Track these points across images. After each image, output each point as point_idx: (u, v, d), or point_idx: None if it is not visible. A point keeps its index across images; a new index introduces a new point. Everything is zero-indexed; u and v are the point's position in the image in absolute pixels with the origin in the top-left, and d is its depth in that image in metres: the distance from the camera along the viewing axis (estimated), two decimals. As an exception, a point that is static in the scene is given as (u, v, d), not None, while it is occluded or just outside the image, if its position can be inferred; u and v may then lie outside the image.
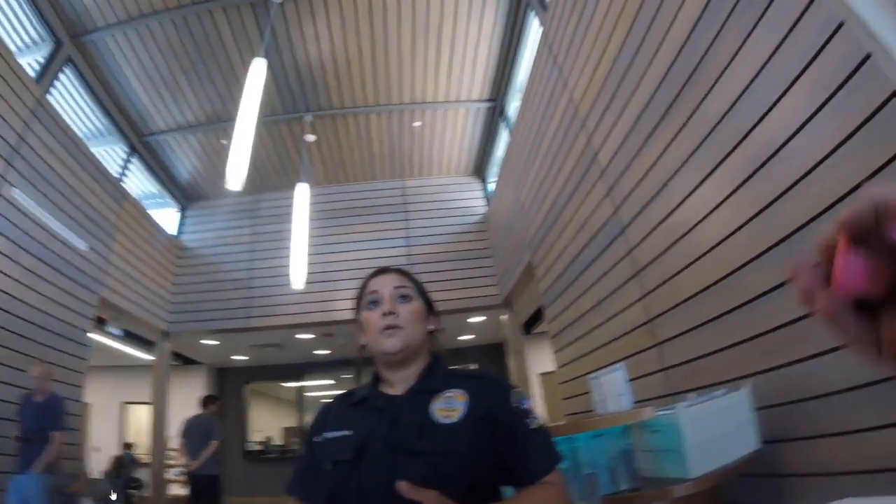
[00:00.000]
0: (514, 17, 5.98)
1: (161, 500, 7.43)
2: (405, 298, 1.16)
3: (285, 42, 6.07)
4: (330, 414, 1.18)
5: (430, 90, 7.04)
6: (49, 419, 4.03)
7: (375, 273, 1.24)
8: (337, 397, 1.24)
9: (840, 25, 1.60)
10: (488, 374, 1.16)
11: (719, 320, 2.31)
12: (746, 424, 1.85)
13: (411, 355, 1.14)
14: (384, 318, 1.12)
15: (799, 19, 1.77)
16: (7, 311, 4.62)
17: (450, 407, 1.04)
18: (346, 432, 1.07)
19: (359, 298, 1.23)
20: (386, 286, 1.17)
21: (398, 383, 1.13)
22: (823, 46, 1.67)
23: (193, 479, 5.79)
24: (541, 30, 4.97)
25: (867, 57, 1.53)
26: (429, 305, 1.22)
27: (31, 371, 4.11)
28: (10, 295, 4.68)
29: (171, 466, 9.60)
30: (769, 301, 1.97)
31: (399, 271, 1.23)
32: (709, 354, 2.41)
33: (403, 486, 0.86)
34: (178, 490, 9.65)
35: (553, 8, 4.46)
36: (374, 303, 1.16)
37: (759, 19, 1.95)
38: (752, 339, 2.08)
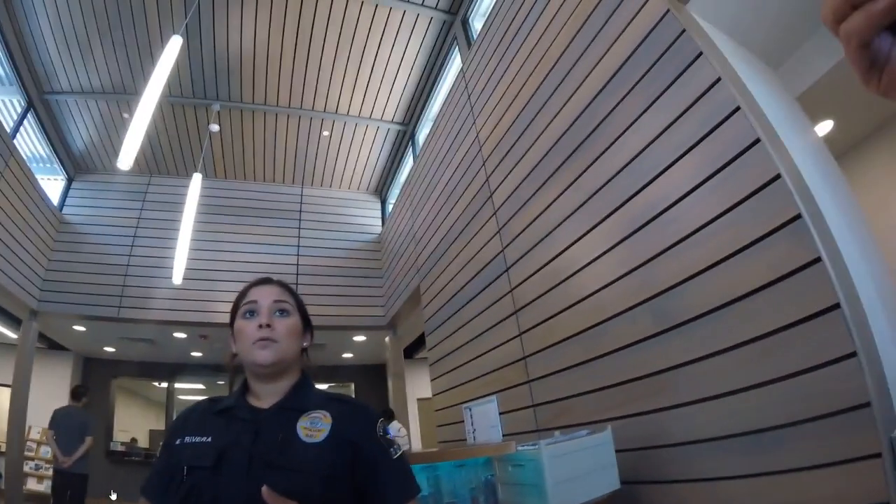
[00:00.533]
0: (439, 48, 6.16)
1: (18, 494, 6.51)
2: (283, 313, 1.15)
3: (208, 25, 5.78)
4: (192, 418, 1.14)
5: (344, 103, 7.00)
6: None
7: (256, 283, 1.22)
8: (201, 403, 1.20)
9: (736, 109, 1.82)
10: (354, 401, 1.17)
11: (589, 364, 2.49)
12: (608, 464, 2.00)
13: (283, 370, 1.13)
14: (259, 329, 1.11)
15: (699, 98, 1.98)
16: None
17: (314, 427, 1.05)
18: (205, 439, 1.05)
19: (236, 306, 1.20)
20: (265, 298, 1.16)
21: (266, 396, 1.12)
22: (718, 126, 1.88)
23: (62, 475, 5.35)
24: (461, 67, 5.16)
25: (756, 140, 1.74)
26: (306, 322, 1.22)
27: None
28: None
29: (32, 458, 8.56)
30: (637, 351, 2.16)
31: (281, 284, 1.22)
32: (576, 396, 2.58)
33: (266, 492, 0.84)
34: (36, 485, 8.57)
35: (476, 48, 4.65)
36: (252, 312, 1.15)
37: (662, 93, 2.17)
38: (618, 385, 2.26)
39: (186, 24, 5.02)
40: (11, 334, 8.06)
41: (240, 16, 5.73)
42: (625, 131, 2.37)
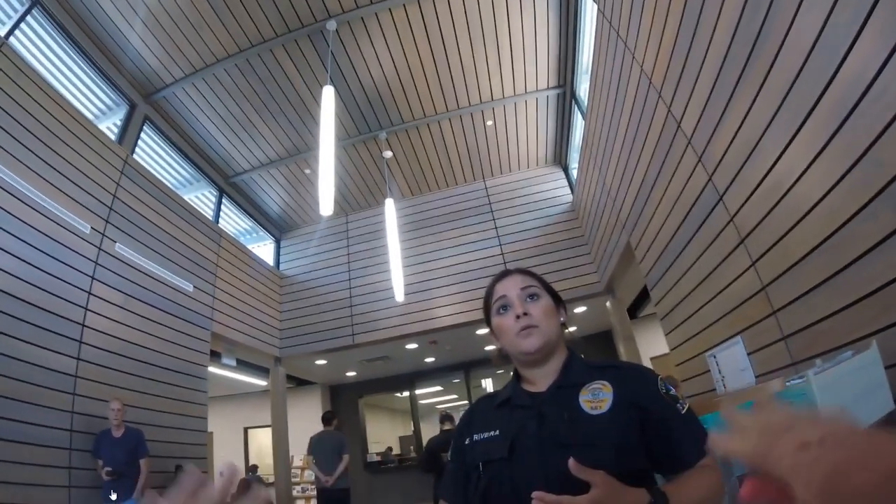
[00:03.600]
0: (566, 0, 5.87)
1: None
2: (534, 297, 1.17)
3: (348, 67, 6.36)
4: (475, 417, 1.21)
5: (496, 87, 7.07)
6: (136, 450, 4.55)
7: (498, 277, 1.25)
8: (479, 400, 1.28)
9: None
10: (628, 364, 1.17)
11: (836, 278, 2.15)
12: (879, 385, 1.71)
13: (550, 352, 1.15)
14: (518, 320, 1.14)
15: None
16: (128, 357, 5.24)
17: (596, 398, 1.05)
18: (493, 433, 1.10)
19: (487, 305, 1.25)
20: (512, 289, 1.19)
21: (540, 380, 1.15)
22: None
23: (327, 493, 5.93)
24: (595, 7, 4.85)
25: None
26: (556, 299, 1.23)
27: (111, 406, 4.50)
28: (129, 342, 5.30)
29: (297, 484, 10.20)
30: (885, 250, 1.82)
31: (521, 271, 1.24)
32: (830, 316, 2.24)
33: (573, 464, 0.85)
34: None
35: (606, -18, 4.34)
36: (505, 307, 1.19)
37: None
38: (874, 293, 1.92)
39: (329, 74, 5.53)
40: (263, 382, 9.66)
41: (371, 47, 6.16)
42: (799, 6, 2.00)
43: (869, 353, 1.73)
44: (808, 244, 2.33)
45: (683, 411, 1.04)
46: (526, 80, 6.99)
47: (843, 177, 1.97)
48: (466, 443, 1.16)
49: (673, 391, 1.07)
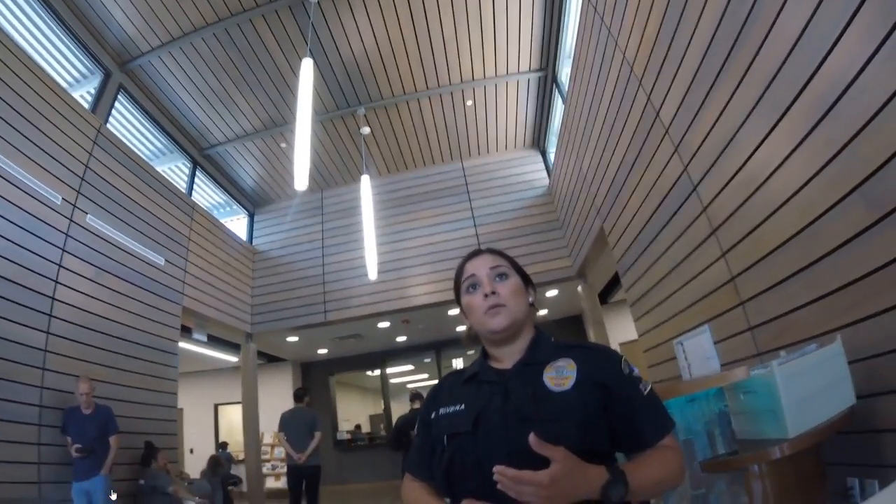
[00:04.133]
0: (552, -20, 5.84)
1: (259, 494, 7.90)
2: (503, 276, 1.18)
3: (328, 40, 6.21)
4: (441, 392, 1.22)
5: (478, 67, 7.01)
6: (106, 427, 4.49)
7: (469, 257, 1.26)
8: (446, 376, 1.29)
9: None
10: (594, 344, 1.18)
11: (805, 272, 2.20)
12: (841, 378, 1.77)
13: (518, 330, 1.16)
14: (486, 299, 1.15)
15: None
16: (99, 332, 5.12)
17: (560, 375, 1.06)
18: (459, 407, 1.12)
19: (457, 284, 1.25)
20: (482, 268, 1.20)
21: (507, 358, 1.16)
22: None
23: (298, 470, 5.88)
24: (583, -9, 4.82)
25: None
26: (525, 279, 1.23)
27: (78, 387, 4.42)
28: (100, 316, 5.17)
29: (267, 461, 10.17)
30: (855, 247, 1.87)
31: (491, 251, 1.25)
32: (797, 309, 2.30)
33: (533, 440, 0.86)
34: (274, 483, 10.28)
35: (594, -33, 4.31)
36: (474, 286, 1.19)
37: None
38: (840, 289, 1.97)
39: (309, 47, 5.39)
40: (234, 358, 9.58)
41: (353, 21, 6.03)
42: (784, 4, 2.02)
43: (833, 347, 1.78)
44: (778, 237, 2.38)
45: (646, 392, 1.06)
46: (508, 61, 6.93)
47: (818, 172, 2.01)
48: (432, 417, 1.17)
49: (636, 371, 1.09)
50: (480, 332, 1.19)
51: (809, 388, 1.72)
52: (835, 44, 1.80)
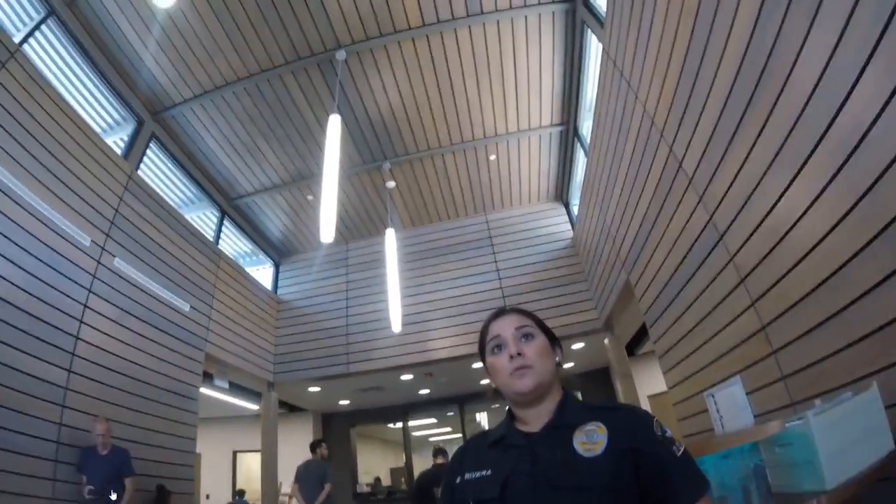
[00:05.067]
0: (571, 38, 6.06)
1: None
2: (528, 337, 1.17)
3: (355, 96, 6.48)
4: (467, 455, 1.20)
5: (500, 123, 7.20)
6: (121, 469, 4.48)
7: (493, 316, 1.25)
8: (472, 438, 1.27)
9: None
10: (624, 405, 1.14)
11: (836, 318, 2.15)
12: (879, 425, 1.70)
13: (545, 392, 1.14)
14: (512, 360, 1.13)
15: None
16: (120, 373, 5.17)
17: (591, 440, 1.03)
18: (485, 472, 1.09)
19: (482, 345, 1.24)
20: (507, 328, 1.18)
21: (533, 420, 1.14)
22: (888, 22, 1.60)
23: None
24: (600, 46, 4.97)
25: None
26: (551, 338, 1.22)
27: (95, 427, 4.43)
28: (122, 357, 5.24)
29: None
30: (884, 291, 1.83)
31: (517, 310, 1.23)
32: (829, 356, 2.23)
33: None
34: None
35: (610, 23, 4.46)
36: (499, 346, 1.18)
37: (820, 3, 1.88)
38: (873, 333, 1.92)
39: (337, 103, 5.63)
40: (255, 406, 9.54)
41: (379, 79, 6.29)
42: (800, 52, 2.07)
43: (869, 394, 1.72)
44: (807, 284, 2.34)
45: (679, 454, 1.02)
46: (530, 116, 7.12)
47: (843, 218, 2.00)
48: (458, 481, 1.15)
49: (669, 433, 1.06)
50: (506, 394, 1.17)
51: (847, 438, 1.65)
52: (851, 90, 1.83)
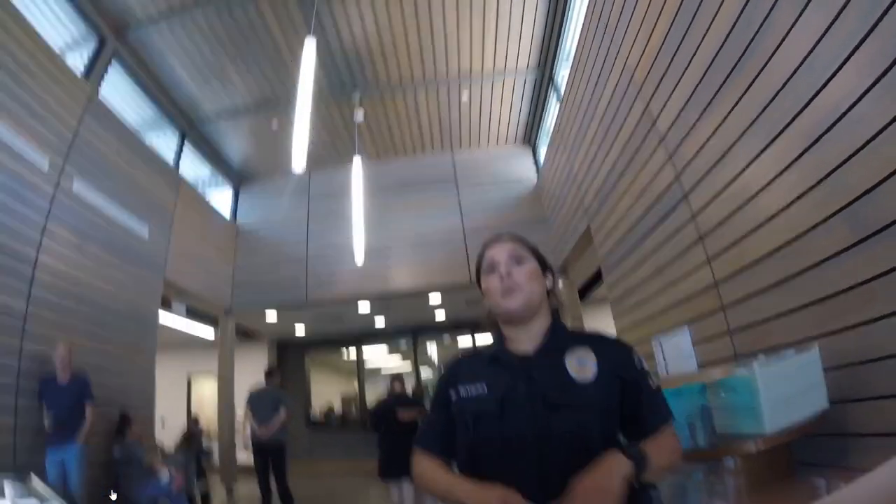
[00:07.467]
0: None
1: (230, 468, 7.96)
2: (520, 260, 1.24)
3: (329, 23, 6.21)
4: (461, 369, 1.27)
5: (476, 61, 7.07)
6: (82, 396, 4.47)
7: (489, 243, 1.32)
8: (463, 355, 1.35)
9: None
10: (610, 337, 1.27)
11: (787, 283, 2.36)
12: (816, 384, 1.93)
13: (533, 313, 1.22)
14: (502, 281, 1.22)
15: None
16: (79, 299, 5.09)
17: (583, 365, 1.14)
18: (482, 387, 1.17)
19: (478, 268, 1.32)
20: (500, 253, 1.26)
21: (524, 342, 1.22)
22: (882, 16, 1.69)
23: (262, 446, 5.91)
24: (589, -4, 4.92)
25: None
26: (544, 265, 1.30)
27: (57, 350, 4.39)
28: (81, 283, 5.14)
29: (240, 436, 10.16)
30: (838, 263, 2.02)
31: (511, 237, 1.30)
32: (776, 317, 2.46)
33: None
34: (247, 459, 10.27)
35: (601, -28, 4.41)
36: (492, 269, 1.26)
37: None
38: (821, 301, 2.13)
39: (311, 26, 5.40)
40: (210, 335, 9.59)
41: (356, 5, 6.01)
42: (788, 32, 2.16)
43: (810, 354, 1.94)
44: (762, 249, 2.54)
45: (654, 386, 1.19)
46: (507, 56, 7.02)
47: (806, 192, 2.16)
48: (452, 396, 1.21)
49: (646, 365, 1.21)
50: (497, 313, 1.25)
51: (786, 390, 1.87)
52: (833, 75, 1.94)
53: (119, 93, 6.62)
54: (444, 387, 1.26)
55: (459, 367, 1.28)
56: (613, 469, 0.99)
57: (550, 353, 1.18)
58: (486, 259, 1.28)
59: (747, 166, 2.63)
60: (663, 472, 1.11)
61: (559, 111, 6.43)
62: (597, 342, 1.21)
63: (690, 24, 3.03)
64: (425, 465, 1.21)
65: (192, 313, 8.92)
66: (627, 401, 1.14)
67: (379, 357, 13.02)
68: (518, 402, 1.11)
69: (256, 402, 6.07)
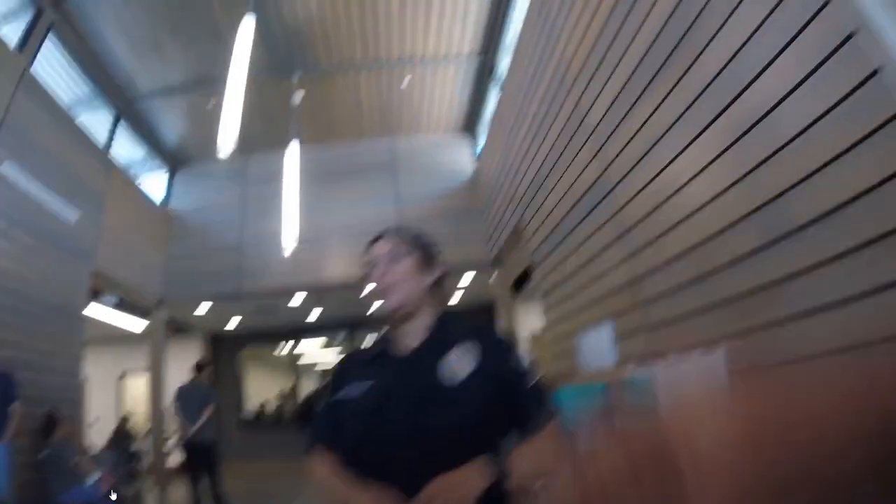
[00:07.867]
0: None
1: (162, 468, 7.58)
2: (396, 259, 1.20)
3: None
4: (347, 368, 1.27)
5: (419, 44, 6.89)
6: (5, 395, 4.13)
7: (372, 241, 1.28)
8: (349, 354, 1.35)
9: (827, 2, 1.61)
10: (493, 331, 1.26)
11: (702, 282, 2.36)
12: (720, 387, 1.93)
13: (412, 311, 1.19)
14: (377, 283, 1.18)
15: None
16: (3, 290, 4.62)
17: (461, 361, 1.12)
18: (364, 385, 1.15)
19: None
20: (379, 252, 1.22)
21: (407, 338, 1.19)
22: (811, 20, 1.69)
23: (192, 446, 5.60)
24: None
25: (850, 35, 1.56)
26: (427, 256, 1.25)
27: None
28: (4, 271, 4.67)
29: (170, 435, 9.76)
30: (748, 265, 2.02)
31: (393, 234, 1.27)
32: (691, 316, 2.47)
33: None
34: (177, 458, 9.84)
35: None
36: (371, 270, 1.22)
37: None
38: (729, 301, 2.13)
39: (251, 1, 5.10)
40: (143, 326, 8.99)
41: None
42: (719, 29, 2.14)
43: (716, 356, 1.93)
44: (682, 246, 2.53)
45: (534, 383, 1.15)
46: (451, 40, 6.86)
47: (722, 192, 2.16)
48: (338, 392, 1.20)
49: (527, 362, 1.18)
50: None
51: (686, 392, 1.84)
52: (760, 73, 1.92)
53: (53, 68, 6.07)
54: (334, 384, 1.25)
55: (346, 365, 1.30)
56: (468, 477, 0.97)
57: (433, 348, 1.16)
58: (368, 259, 1.25)
59: (670, 163, 2.62)
60: (539, 475, 1.07)
61: (498, 100, 6.37)
62: (479, 336, 1.19)
63: (627, 15, 3.00)
64: (324, 468, 1.17)
65: (123, 305, 8.35)
66: (505, 401, 1.12)
67: (315, 351, 12.74)
68: (397, 397, 1.10)
69: (185, 397, 5.75)
